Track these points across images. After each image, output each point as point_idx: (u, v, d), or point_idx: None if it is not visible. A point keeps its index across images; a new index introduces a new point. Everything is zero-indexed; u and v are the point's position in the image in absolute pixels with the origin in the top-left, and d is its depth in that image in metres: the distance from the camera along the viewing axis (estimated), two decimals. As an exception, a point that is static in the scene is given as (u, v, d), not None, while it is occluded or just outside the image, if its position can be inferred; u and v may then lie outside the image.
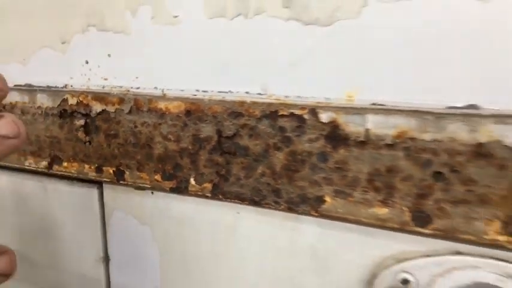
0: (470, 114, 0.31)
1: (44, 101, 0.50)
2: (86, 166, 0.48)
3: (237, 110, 0.39)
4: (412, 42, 0.32)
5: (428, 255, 0.34)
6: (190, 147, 0.42)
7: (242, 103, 0.39)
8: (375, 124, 0.34)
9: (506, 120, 0.30)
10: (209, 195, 0.42)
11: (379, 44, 0.33)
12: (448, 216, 0.32)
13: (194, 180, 0.42)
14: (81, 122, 0.48)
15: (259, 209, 0.40)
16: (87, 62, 0.47)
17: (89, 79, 0.47)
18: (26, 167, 0.53)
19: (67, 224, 0.53)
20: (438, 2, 0.31)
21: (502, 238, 0.31)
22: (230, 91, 0.39)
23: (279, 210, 0.39)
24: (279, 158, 0.38)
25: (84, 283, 0.53)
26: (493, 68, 0.30)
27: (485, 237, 0.32)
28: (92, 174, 0.48)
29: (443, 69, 0.31)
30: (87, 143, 0.48)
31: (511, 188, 0.30)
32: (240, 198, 0.40)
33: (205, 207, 0.43)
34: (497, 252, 0.32)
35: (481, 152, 0.31)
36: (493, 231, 0.31)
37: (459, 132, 0.31)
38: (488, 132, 0.30)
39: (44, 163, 0.52)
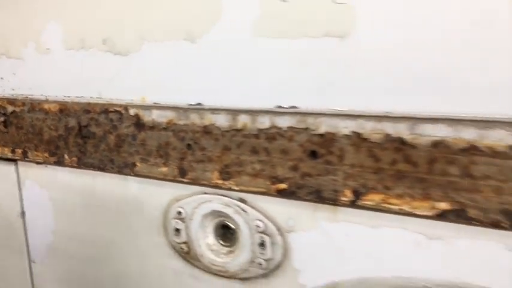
0: (200, 109, 0.52)
1: (-21, 105, 0.72)
2: (6, 149, 0.70)
3: (87, 108, 0.60)
4: (176, 65, 0.53)
5: (190, 196, 0.55)
6: (63, 134, 0.63)
7: (89, 104, 0.60)
8: (156, 115, 0.55)
9: (215, 111, 0.51)
10: (76, 165, 0.63)
11: (155, 66, 0.54)
12: (195, 170, 0.53)
13: (67, 155, 0.64)
14: (2, 118, 0.70)
15: (104, 173, 0.61)
16: (2, 78, 0.68)
17: (4, 89, 0.69)
18: (-31, 152, 0.75)
19: (-2, 191, 0.75)
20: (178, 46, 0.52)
21: (219, 181, 0.52)
22: (82, 96, 0.61)
23: (114, 173, 0.60)
24: (111, 139, 0.59)
25: (11, 232, 0.75)
26: (213, 80, 0.51)
27: (213, 181, 0.52)
28: (9, 155, 0.70)
29: (194, 82, 0.52)
30: (6, 133, 0.70)
31: (222, 151, 0.51)
32: (93, 167, 0.62)
33: (75, 174, 0.65)
34: (221, 191, 0.53)
35: (206, 131, 0.52)
36: (215, 177, 0.52)
37: (196, 119, 0.52)
38: (209, 119, 0.51)
39: (-20, 148, 0.73)
